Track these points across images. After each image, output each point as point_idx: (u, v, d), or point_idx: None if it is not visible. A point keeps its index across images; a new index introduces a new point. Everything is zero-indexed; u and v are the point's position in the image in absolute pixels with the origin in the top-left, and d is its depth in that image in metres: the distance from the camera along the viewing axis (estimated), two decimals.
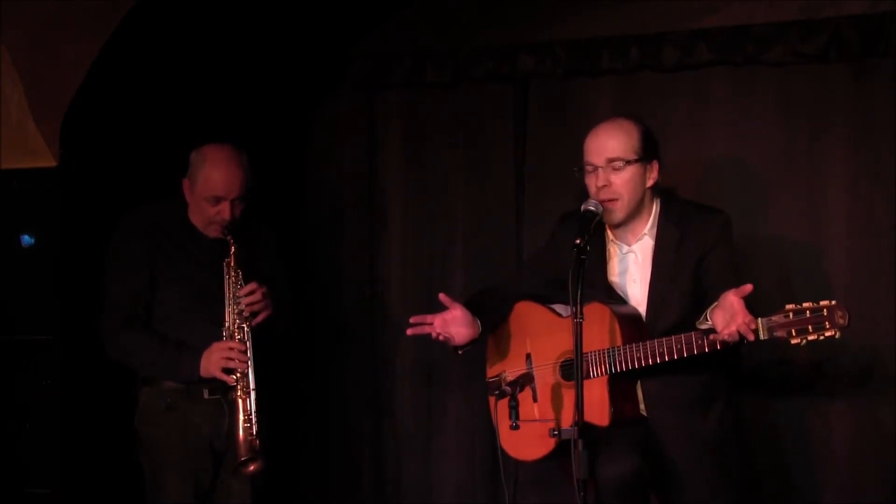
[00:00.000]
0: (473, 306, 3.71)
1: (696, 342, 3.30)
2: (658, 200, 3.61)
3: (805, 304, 3.16)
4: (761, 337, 3.20)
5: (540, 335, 3.69)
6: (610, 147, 3.51)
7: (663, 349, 3.34)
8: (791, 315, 3.16)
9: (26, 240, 4.13)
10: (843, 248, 4.24)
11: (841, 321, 3.13)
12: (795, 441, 4.27)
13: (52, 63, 4.03)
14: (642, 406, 3.53)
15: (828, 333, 3.14)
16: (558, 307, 3.73)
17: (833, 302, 3.15)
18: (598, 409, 3.43)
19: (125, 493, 4.06)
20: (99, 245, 3.86)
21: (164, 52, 4.24)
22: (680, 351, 3.32)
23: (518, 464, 3.78)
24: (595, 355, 3.46)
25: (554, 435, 3.25)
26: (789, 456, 4.28)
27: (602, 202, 3.48)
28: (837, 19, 4.17)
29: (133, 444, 3.84)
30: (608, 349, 3.45)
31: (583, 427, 3.11)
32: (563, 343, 3.58)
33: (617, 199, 3.50)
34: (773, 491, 4.24)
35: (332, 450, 4.94)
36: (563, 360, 3.59)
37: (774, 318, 3.19)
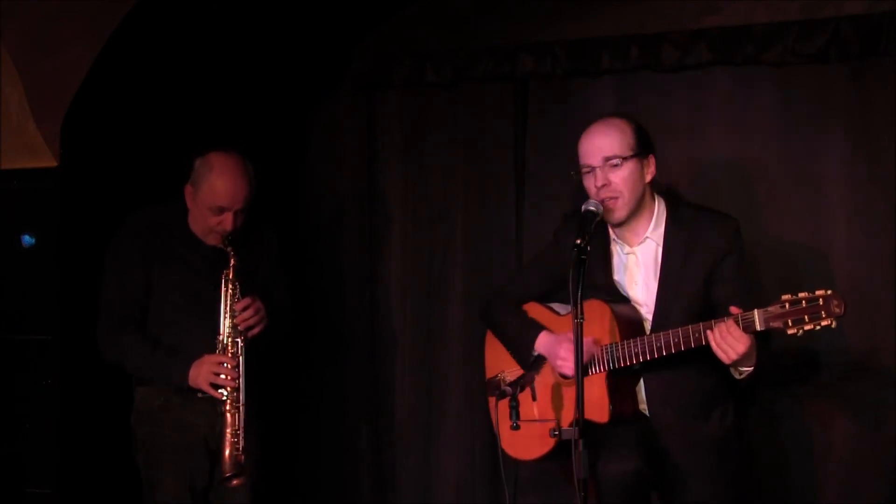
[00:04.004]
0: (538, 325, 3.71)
1: (694, 335, 3.31)
2: (662, 202, 3.60)
3: (801, 295, 3.17)
4: (757, 328, 3.22)
5: None
6: (605, 146, 3.51)
7: (661, 343, 3.35)
8: (787, 305, 3.18)
9: (27, 240, 4.13)
10: (843, 249, 4.24)
11: (837, 310, 3.14)
12: (795, 441, 4.27)
13: (52, 63, 4.02)
14: (644, 406, 3.53)
15: (824, 323, 3.15)
16: (556, 305, 3.74)
17: (829, 291, 3.16)
18: (598, 406, 3.43)
19: (125, 493, 4.05)
20: (99, 245, 3.86)
21: (163, 53, 4.24)
22: (678, 344, 3.33)
23: (518, 463, 3.79)
24: (600, 351, 3.46)
25: (554, 435, 3.25)
26: (789, 456, 4.27)
27: (603, 201, 3.47)
28: (837, 19, 4.17)
29: (130, 443, 3.84)
30: (607, 345, 3.45)
31: (583, 426, 3.11)
32: None
33: (617, 198, 3.49)
34: (773, 491, 4.23)
35: (331, 449, 4.94)
36: None
37: (771, 308, 3.21)
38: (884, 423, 4.15)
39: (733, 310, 3.27)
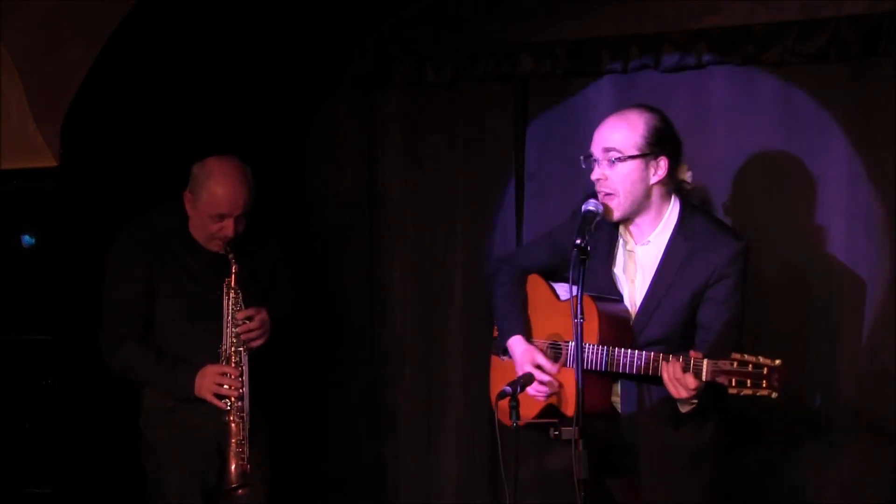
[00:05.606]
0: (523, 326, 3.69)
1: (653, 364, 3.27)
2: (677, 206, 3.48)
3: (750, 358, 3.11)
4: (703, 378, 3.17)
5: (536, 311, 3.68)
6: (608, 138, 3.42)
7: (626, 360, 3.32)
8: (735, 364, 3.13)
9: (27, 240, 4.13)
10: (843, 248, 4.24)
11: (776, 384, 3.09)
12: (794, 441, 4.27)
13: (52, 63, 4.03)
14: (617, 399, 3.50)
15: (762, 393, 3.09)
16: (558, 286, 3.71)
17: (777, 362, 3.10)
18: (567, 400, 3.44)
19: (125, 494, 4.06)
20: (99, 245, 3.86)
21: (163, 53, 4.24)
22: (640, 368, 3.29)
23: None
24: (570, 346, 3.44)
25: (555, 435, 3.24)
26: (789, 456, 4.27)
27: (599, 194, 3.44)
28: (837, 19, 4.17)
29: (136, 445, 3.83)
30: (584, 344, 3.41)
31: (582, 427, 3.10)
32: (554, 325, 3.59)
33: (613, 195, 3.41)
34: (772, 490, 4.24)
35: (332, 449, 4.94)
36: (550, 341, 3.59)
37: (720, 363, 3.15)
38: (884, 423, 4.15)
39: (692, 353, 3.22)
